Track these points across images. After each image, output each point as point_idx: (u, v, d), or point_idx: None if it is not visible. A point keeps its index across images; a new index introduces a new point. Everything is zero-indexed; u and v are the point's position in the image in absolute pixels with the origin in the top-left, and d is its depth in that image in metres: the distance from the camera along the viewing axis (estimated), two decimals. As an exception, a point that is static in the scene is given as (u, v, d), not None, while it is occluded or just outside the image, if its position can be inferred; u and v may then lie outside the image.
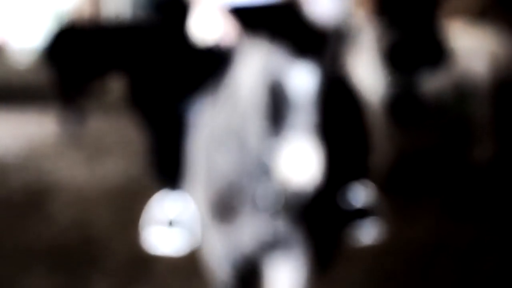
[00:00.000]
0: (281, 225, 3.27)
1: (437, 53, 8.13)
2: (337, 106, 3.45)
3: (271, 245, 3.32)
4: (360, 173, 3.62)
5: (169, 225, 3.58)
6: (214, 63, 3.49)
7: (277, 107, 3.07)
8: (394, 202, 7.32)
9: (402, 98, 8.14)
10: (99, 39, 11.89)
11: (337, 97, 3.43)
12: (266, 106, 3.11)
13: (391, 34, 8.19)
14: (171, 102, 3.61)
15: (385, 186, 7.82)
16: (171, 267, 5.53)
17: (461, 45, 8.25)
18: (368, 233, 3.59)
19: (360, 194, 3.58)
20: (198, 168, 3.40)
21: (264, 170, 3.14)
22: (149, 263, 5.58)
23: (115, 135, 11.03)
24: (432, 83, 8.15)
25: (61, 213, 7.19)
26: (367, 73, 8.11)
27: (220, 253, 3.35)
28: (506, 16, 11.45)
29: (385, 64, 8.13)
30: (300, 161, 2.95)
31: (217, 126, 3.32)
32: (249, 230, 3.28)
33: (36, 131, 11.35)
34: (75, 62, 11.97)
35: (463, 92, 8.32)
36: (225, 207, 3.29)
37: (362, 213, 3.58)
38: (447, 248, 6.06)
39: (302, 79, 3.06)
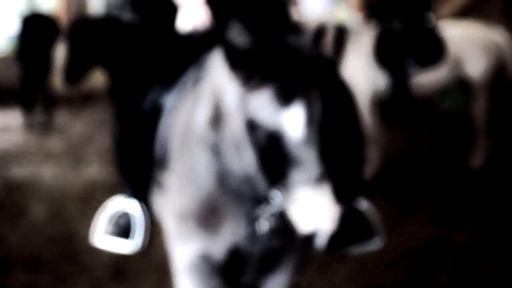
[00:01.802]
0: (273, 241, 3.10)
1: (430, 52, 8.09)
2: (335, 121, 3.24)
3: (256, 258, 3.14)
4: (357, 189, 3.45)
5: (119, 230, 3.39)
6: (193, 53, 3.27)
7: (271, 157, 2.74)
8: (384, 204, 7.26)
9: (396, 97, 8.10)
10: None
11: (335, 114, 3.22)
12: (256, 151, 2.77)
13: (384, 33, 8.15)
14: (145, 96, 3.34)
15: (376, 189, 7.80)
16: (155, 265, 5.43)
17: (453, 36, 8.20)
18: (365, 245, 3.43)
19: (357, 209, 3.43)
20: (174, 169, 3.15)
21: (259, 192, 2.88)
22: (130, 261, 5.50)
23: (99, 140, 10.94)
24: (426, 81, 8.10)
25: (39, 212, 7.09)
26: (361, 73, 8.05)
27: (190, 262, 3.13)
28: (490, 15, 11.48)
29: (379, 63, 8.08)
30: (312, 212, 2.70)
31: (197, 124, 3.05)
32: (227, 242, 3.08)
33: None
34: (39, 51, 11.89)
35: (458, 89, 8.26)
36: (202, 216, 3.07)
37: (360, 229, 3.41)
38: (441, 253, 5.96)
39: (297, 121, 2.71)
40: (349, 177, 3.37)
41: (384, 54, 8.10)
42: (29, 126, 11.70)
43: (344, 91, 3.44)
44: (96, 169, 8.74)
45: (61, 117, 12.50)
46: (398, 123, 8.86)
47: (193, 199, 3.06)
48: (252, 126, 2.74)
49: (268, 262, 3.18)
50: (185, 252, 3.13)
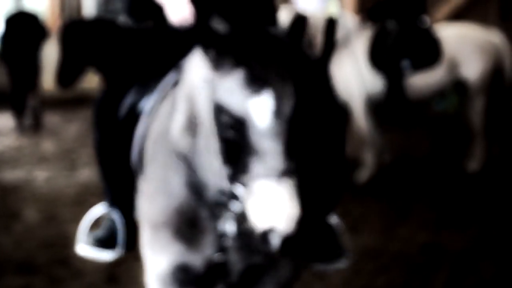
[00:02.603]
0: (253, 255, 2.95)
1: (426, 53, 8.06)
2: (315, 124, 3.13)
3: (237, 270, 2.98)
4: (331, 203, 3.29)
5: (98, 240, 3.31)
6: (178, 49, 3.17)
7: (234, 145, 2.62)
8: (380, 208, 7.24)
9: (391, 99, 8.07)
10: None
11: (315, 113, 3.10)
12: (220, 141, 2.67)
13: (379, 34, 8.13)
14: (123, 100, 3.24)
15: (371, 192, 7.78)
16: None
17: (449, 37, 8.19)
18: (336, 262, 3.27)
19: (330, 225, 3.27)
20: (148, 176, 3.04)
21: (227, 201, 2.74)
22: (124, 265, 5.45)
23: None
24: (421, 82, 8.08)
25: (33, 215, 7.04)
26: (356, 75, 8.02)
27: (162, 273, 3.00)
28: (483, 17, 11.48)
29: (373, 65, 8.07)
30: (268, 208, 2.53)
31: (172, 130, 2.93)
32: (205, 254, 2.94)
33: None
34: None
35: (454, 91, 8.25)
36: (178, 227, 2.94)
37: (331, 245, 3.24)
38: (437, 257, 5.94)
39: (265, 109, 2.60)
40: (324, 189, 3.24)
41: (379, 56, 8.08)
42: (20, 129, 11.66)
43: (325, 89, 3.30)
44: (89, 172, 8.70)
45: (54, 119, 12.46)
46: (394, 126, 8.84)
47: (166, 209, 2.95)
48: (219, 112, 2.62)
49: (250, 278, 3.03)
50: (158, 262, 3.01)
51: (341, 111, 3.33)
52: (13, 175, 8.68)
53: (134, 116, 3.18)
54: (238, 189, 2.62)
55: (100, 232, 3.31)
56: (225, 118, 2.61)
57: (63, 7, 15.83)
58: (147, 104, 3.14)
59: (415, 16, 8.22)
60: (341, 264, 3.25)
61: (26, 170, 8.93)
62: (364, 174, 8.14)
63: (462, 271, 5.62)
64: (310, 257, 3.20)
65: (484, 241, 6.26)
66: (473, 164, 8.36)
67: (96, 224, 3.39)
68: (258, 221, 2.54)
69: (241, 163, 2.60)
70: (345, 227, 6.23)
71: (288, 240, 2.55)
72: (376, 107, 8.14)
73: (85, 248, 3.34)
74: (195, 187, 2.90)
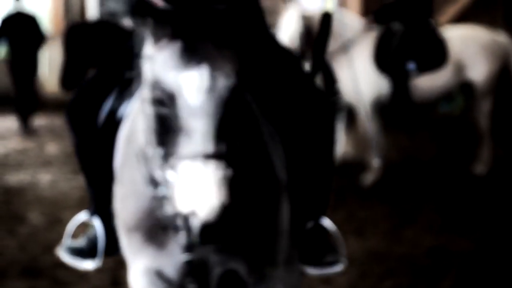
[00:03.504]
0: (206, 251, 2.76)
1: (431, 55, 8.03)
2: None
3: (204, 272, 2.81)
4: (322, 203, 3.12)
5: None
6: None
7: (165, 122, 2.48)
8: (386, 211, 7.21)
9: (396, 101, 8.04)
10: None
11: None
12: (153, 120, 2.53)
13: (384, 36, 8.11)
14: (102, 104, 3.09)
15: (377, 195, 7.75)
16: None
17: (455, 38, 8.16)
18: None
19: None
20: (119, 180, 2.94)
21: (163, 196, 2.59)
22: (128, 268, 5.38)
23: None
24: (427, 84, 8.04)
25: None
26: (363, 77, 8.00)
27: (139, 276, 2.88)
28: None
29: (379, 67, 8.04)
30: (190, 190, 2.39)
31: (137, 132, 2.79)
32: (177, 258, 2.78)
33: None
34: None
35: (460, 93, 8.21)
36: (148, 230, 2.81)
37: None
38: (443, 260, 5.90)
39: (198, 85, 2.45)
40: (312, 189, 3.08)
41: (384, 57, 8.05)
42: (24, 131, 11.68)
43: (296, 81, 3.09)
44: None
45: (58, 122, 12.44)
46: (399, 128, 8.81)
47: (136, 211, 2.84)
48: (154, 87, 2.48)
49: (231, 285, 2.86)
50: (134, 267, 2.92)
51: (322, 104, 3.11)
52: (17, 178, 8.66)
53: (114, 121, 3.05)
54: (169, 173, 2.48)
55: (81, 240, 3.19)
56: (157, 93, 2.47)
57: (66, 9, 15.82)
58: (127, 108, 3.01)
59: (421, 18, 8.20)
60: (337, 269, 3.09)
61: (30, 173, 8.91)
62: (369, 177, 8.11)
63: (469, 274, 5.58)
64: (302, 261, 3.06)
65: (491, 244, 6.23)
66: (480, 167, 8.32)
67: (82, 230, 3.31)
68: (179, 205, 2.41)
69: (170, 143, 2.47)
70: (351, 230, 6.22)
71: (209, 228, 2.39)
72: (382, 109, 8.11)
73: (66, 257, 3.21)
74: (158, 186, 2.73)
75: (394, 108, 8.10)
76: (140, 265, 2.88)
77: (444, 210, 7.20)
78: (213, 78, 2.46)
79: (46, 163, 9.53)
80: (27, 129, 11.82)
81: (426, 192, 7.83)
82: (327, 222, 3.12)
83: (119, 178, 2.95)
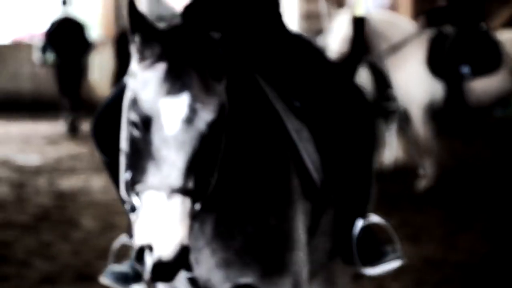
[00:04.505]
0: None
1: (486, 58, 7.92)
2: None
3: None
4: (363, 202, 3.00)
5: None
6: None
7: (137, 145, 2.36)
8: (440, 218, 7.11)
9: (450, 106, 7.94)
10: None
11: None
12: (128, 141, 2.42)
13: (437, 39, 8.01)
14: None
15: (431, 202, 7.65)
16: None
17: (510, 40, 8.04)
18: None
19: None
20: None
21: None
22: None
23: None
24: (482, 88, 7.93)
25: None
26: (416, 81, 7.91)
27: None
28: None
29: (432, 70, 7.95)
30: (156, 221, 2.26)
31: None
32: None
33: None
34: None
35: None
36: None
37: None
38: (500, 268, 5.80)
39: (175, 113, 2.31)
40: (352, 189, 2.94)
41: (437, 61, 7.95)
42: (71, 135, 11.81)
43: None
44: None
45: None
46: (453, 133, 8.70)
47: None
48: (132, 107, 2.36)
49: None
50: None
51: (360, 102, 2.99)
52: (70, 183, 8.72)
53: None
54: (134, 199, 2.38)
55: (125, 265, 3.01)
56: (133, 115, 2.35)
57: (117, 14, 15.92)
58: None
59: (474, 21, 8.09)
60: (395, 264, 2.96)
61: (82, 178, 8.96)
62: (423, 182, 8.01)
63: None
64: (360, 263, 2.93)
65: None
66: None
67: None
68: (136, 235, 2.29)
69: (140, 169, 2.34)
70: (405, 236, 6.14)
71: (162, 266, 2.25)
72: (435, 113, 8.01)
73: (108, 282, 3.02)
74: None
75: (448, 113, 8.00)
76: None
77: (500, 217, 7.09)
78: (192, 109, 2.31)
79: (98, 168, 9.56)
80: (74, 134, 11.92)
81: (482, 198, 7.71)
82: (375, 218, 3.01)
83: None
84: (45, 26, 12.52)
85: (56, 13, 12.64)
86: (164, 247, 2.25)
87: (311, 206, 2.80)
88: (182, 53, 2.36)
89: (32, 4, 14.90)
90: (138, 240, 2.28)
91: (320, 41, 8.02)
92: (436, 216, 7.15)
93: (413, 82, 7.90)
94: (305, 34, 10.17)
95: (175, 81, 2.32)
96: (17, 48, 14.60)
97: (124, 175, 2.44)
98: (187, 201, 2.29)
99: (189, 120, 2.31)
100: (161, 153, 2.30)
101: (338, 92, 2.96)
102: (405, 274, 5.40)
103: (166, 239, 2.25)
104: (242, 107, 2.63)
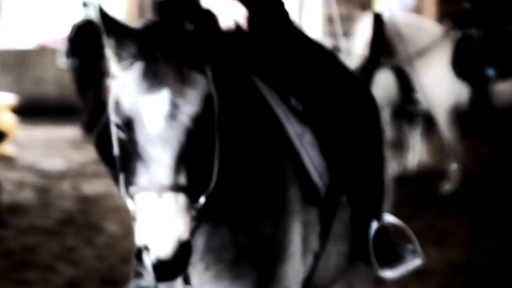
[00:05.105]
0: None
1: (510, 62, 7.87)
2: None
3: None
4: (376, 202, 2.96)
5: None
6: None
7: (125, 147, 2.35)
8: (465, 221, 7.06)
9: (476, 108, 7.89)
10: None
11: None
12: (116, 143, 2.40)
13: (463, 41, 7.97)
14: None
15: (456, 205, 7.59)
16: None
17: None
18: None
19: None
20: None
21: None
22: None
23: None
24: (508, 90, 7.87)
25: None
26: (441, 83, 7.87)
27: None
28: None
29: (458, 73, 7.90)
30: (150, 221, 2.25)
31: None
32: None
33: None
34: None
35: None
36: None
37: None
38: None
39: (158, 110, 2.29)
40: (363, 189, 2.91)
41: (463, 63, 7.90)
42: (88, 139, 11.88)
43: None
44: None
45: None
46: (479, 136, 8.64)
47: None
48: (115, 109, 2.35)
49: None
50: None
51: (367, 102, 2.96)
52: (93, 187, 8.73)
53: None
54: (129, 202, 2.37)
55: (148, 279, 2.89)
56: (117, 117, 2.34)
57: (140, 13, 15.96)
58: None
59: (499, 23, 8.04)
60: (414, 263, 2.93)
61: (106, 183, 8.96)
62: (448, 186, 7.96)
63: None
64: (378, 266, 2.89)
65: None
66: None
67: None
68: (136, 237, 2.28)
69: (131, 171, 2.33)
70: (429, 240, 6.09)
71: (163, 265, 2.23)
72: (461, 116, 7.96)
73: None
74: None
75: (474, 115, 7.94)
76: None
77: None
78: (173, 104, 2.29)
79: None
80: (89, 136, 11.98)
81: (507, 202, 7.65)
82: (391, 218, 2.98)
83: None
84: (67, 29, 12.56)
85: (77, 15, 12.68)
86: (161, 247, 2.23)
87: (318, 211, 2.76)
88: (157, 49, 2.33)
89: (55, 8, 14.96)
90: (137, 241, 2.28)
91: (342, 44, 7.99)
92: (460, 219, 7.10)
93: (438, 85, 7.85)
94: (327, 37, 10.14)
95: (153, 79, 2.30)
96: (42, 52, 14.64)
97: (120, 179, 2.43)
98: (180, 197, 2.27)
99: (172, 116, 2.29)
100: (147, 153, 2.29)
101: (343, 92, 2.93)
102: (429, 278, 5.36)
103: (161, 238, 2.23)
104: (236, 113, 2.61)
